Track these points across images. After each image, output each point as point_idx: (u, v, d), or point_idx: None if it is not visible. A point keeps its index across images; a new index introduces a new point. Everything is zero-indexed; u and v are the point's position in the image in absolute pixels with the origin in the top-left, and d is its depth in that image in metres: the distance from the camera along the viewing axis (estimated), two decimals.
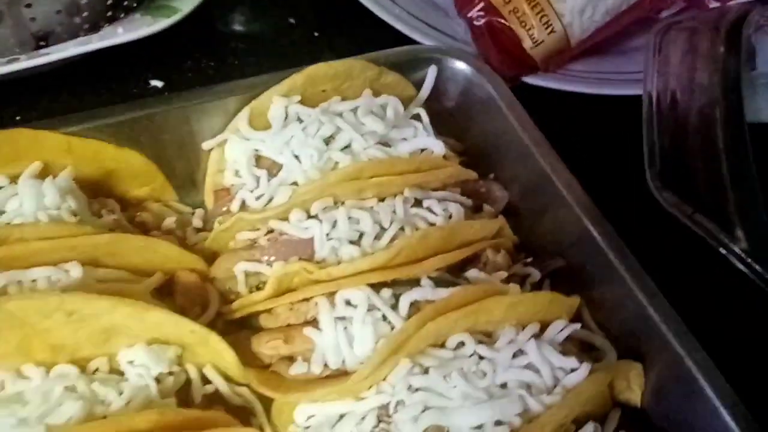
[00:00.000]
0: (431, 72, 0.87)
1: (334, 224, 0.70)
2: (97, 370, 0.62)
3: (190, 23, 0.98)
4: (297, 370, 0.66)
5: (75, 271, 0.63)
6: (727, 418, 0.59)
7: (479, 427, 0.59)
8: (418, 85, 0.86)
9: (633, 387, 0.66)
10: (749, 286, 0.69)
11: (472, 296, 0.64)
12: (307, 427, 0.64)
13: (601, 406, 0.66)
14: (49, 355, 0.60)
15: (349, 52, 0.84)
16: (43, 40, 0.92)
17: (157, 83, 1.00)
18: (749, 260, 0.69)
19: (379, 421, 0.62)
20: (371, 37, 1.03)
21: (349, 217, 0.70)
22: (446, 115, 0.87)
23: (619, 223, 0.71)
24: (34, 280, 0.62)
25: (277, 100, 0.79)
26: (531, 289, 0.73)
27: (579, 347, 0.69)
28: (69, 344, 0.60)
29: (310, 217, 0.71)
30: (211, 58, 1.05)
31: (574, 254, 0.74)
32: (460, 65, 0.87)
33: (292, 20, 1.14)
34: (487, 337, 0.66)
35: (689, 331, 0.63)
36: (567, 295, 0.70)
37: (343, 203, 0.72)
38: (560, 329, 0.66)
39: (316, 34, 1.11)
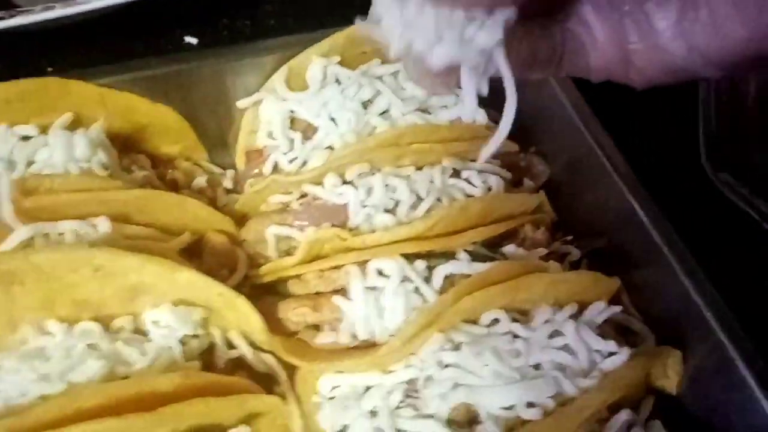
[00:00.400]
0: None
1: (370, 191, 0.68)
2: (121, 328, 0.60)
3: None
4: (324, 339, 0.64)
5: (103, 225, 0.62)
6: None
7: (510, 407, 0.57)
8: None
9: (670, 374, 0.64)
10: None
11: (511, 272, 0.62)
12: (331, 398, 0.62)
13: (635, 392, 0.64)
14: (72, 311, 0.59)
15: None
16: None
17: (191, 40, 0.98)
18: None
19: (406, 396, 0.60)
20: None
21: (386, 185, 0.68)
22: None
23: (665, 203, 0.68)
24: (61, 234, 0.61)
25: (316, 60, 0.76)
26: (570, 269, 0.70)
27: (615, 331, 0.67)
28: (94, 301, 0.59)
29: (345, 182, 0.69)
30: (247, 17, 1.02)
31: (616, 234, 0.71)
32: None
33: None
34: (522, 316, 0.63)
35: (735, 319, 0.60)
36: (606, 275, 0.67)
37: (379, 170, 0.70)
38: (600, 311, 0.64)
39: None
